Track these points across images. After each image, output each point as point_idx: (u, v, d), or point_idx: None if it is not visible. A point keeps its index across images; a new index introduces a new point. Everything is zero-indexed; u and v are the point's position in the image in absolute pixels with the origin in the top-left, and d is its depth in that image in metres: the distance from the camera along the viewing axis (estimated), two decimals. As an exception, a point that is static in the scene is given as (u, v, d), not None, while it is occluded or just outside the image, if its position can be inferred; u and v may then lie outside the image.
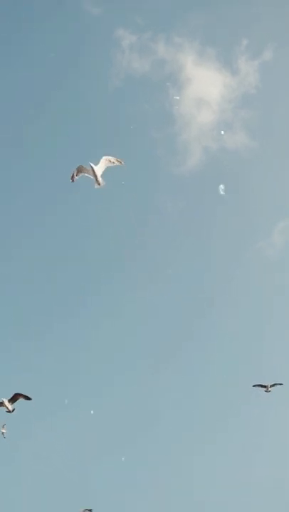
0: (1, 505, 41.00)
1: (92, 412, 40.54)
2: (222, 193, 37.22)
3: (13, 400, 34.50)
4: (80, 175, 31.61)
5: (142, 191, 51.42)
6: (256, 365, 45.35)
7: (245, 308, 49.00)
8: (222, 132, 47.92)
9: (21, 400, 34.54)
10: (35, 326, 47.95)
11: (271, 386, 38.88)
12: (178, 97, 49.16)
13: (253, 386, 39.08)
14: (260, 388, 38.99)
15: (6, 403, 34.37)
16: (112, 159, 31.42)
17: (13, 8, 52.00)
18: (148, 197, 51.36)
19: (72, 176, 31.71)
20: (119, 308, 49.20)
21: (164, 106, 51.24)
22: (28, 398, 34.58)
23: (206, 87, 51.92)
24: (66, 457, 44.03)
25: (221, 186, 37.34)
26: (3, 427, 35.79)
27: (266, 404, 44.56)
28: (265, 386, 38.77)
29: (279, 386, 38.85)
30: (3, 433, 35.81)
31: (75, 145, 50.80)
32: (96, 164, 31.19)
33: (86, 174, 31.60)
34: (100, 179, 31.49)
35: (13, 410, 34.57)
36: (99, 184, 31.62)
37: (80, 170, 31.50)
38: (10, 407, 34.41)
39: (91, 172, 31.22)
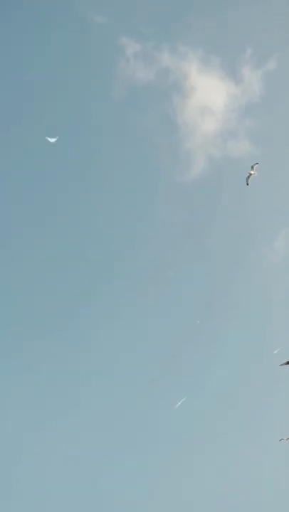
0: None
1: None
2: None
3: None
4: None
5: (145, 198, 51.58)
6: (258, 369, 45.47)
7: (247, 312, 49.14)
8: None
9: None
10: (36, 329, 47.80)
11: None
12: None
13: (280, 365, 38.52)
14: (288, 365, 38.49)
15: None
16: None
17: (16, 15, 52.16)
18: (151, 204, 51.49)
19: None
20: (120, 313, 49.24)
21: (168, 114, 51.50)
22: None
23: (210, 95, 52.16)
24: (66, 463, 43.78)
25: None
26: None
27: (268, 408, 44.70)
28: None
29: None
30: None
31: (78, 152, 51.03)
32: None
33: None
34: None
35: None
36: None
37: None
38: None
39: None
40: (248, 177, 38.75)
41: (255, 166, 38.82)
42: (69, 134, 51.33)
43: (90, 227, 50.48)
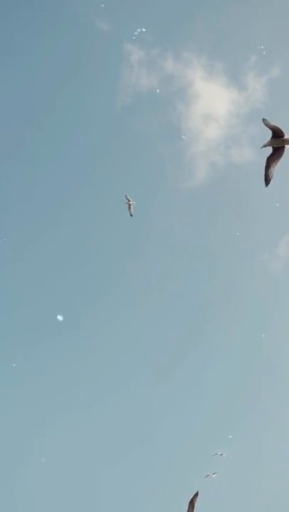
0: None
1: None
2: None
3: None
4: None
5: (148, 204, 51.91)
6: (259, 375, 45.76)
7: (249, 319, 49.39)
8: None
9: None
10: (36, 334, 48.28)
11: None
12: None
13: None
14: None
15: None
16: None
17: (19, 20, 52.83)
18: (154, 210, 51.87)
19: None
20: (122, 318, 49.67)
21: (172, 121, 51.88)
22: None
23: (213, 102, 52.54)
24: (66, 467, 44.07)
25: None
26: None
27: (269, 413, 44.86)
28: None
29: None
30: None
31: (81, 160, 51.53)
32: None
33: None
34: None
35: None
36: None
37: None
38: None
39: None
40: (129, 208, 38.98)
41: (129, 197, 38.91)
42: (71, 140, 51.97)
43: (92, 233, 50.97)
